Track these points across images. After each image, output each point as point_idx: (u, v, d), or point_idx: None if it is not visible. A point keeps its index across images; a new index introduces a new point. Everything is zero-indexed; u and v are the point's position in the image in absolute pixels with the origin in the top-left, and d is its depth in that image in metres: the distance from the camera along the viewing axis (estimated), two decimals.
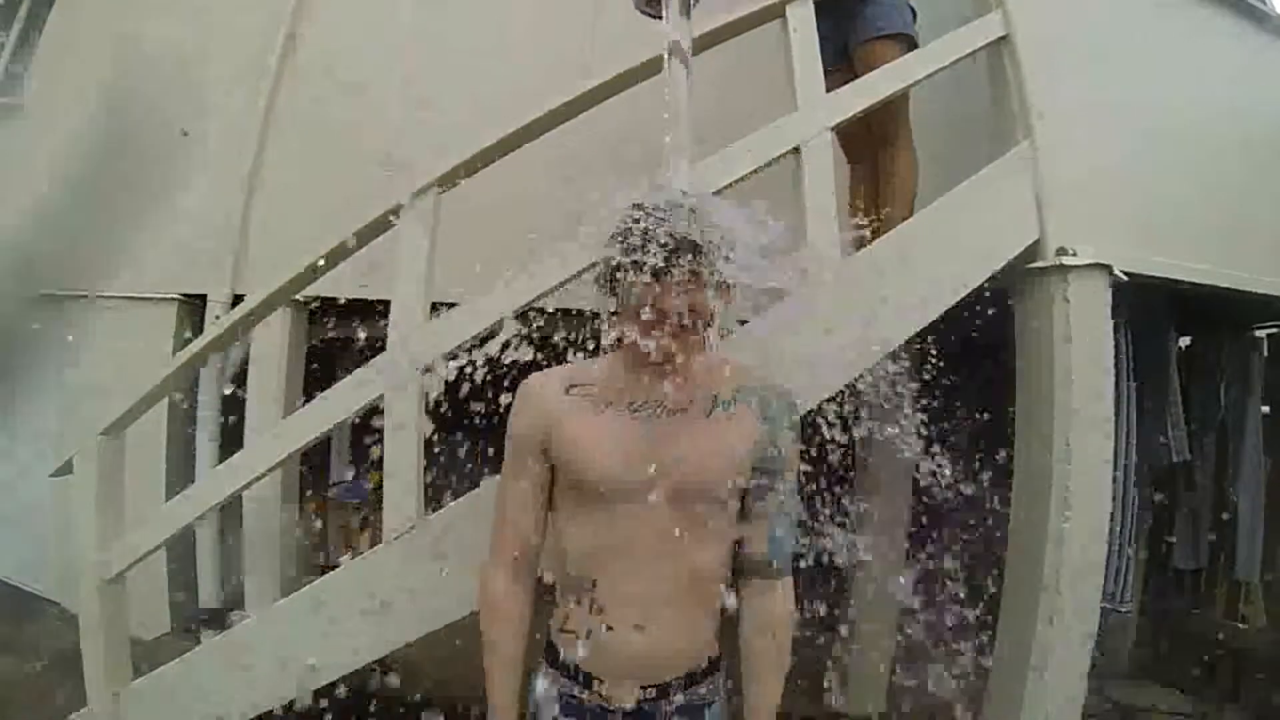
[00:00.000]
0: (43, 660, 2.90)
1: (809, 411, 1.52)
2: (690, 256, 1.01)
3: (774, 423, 1.15)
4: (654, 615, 1.10)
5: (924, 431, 1.64)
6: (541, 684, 1.19)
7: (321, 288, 2.01)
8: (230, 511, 2.40)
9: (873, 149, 2.14)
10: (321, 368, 2.81)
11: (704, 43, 1.83)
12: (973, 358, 2.65)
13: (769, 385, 1.19)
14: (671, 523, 1.09)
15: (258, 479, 1.83)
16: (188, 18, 3.32)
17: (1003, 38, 2.01)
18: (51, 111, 3.71)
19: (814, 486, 1.38)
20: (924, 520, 2.88)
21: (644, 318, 1.05)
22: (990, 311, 2.04)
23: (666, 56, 1.51)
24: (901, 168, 2.08)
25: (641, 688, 1.13)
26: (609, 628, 1.11)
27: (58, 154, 3.54)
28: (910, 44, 2.03)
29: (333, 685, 1.68)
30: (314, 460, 3.75)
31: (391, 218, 1.79)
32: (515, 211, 2.52)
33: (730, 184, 1.70)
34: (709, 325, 1.08)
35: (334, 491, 3.99)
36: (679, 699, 1.14)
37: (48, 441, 3.12)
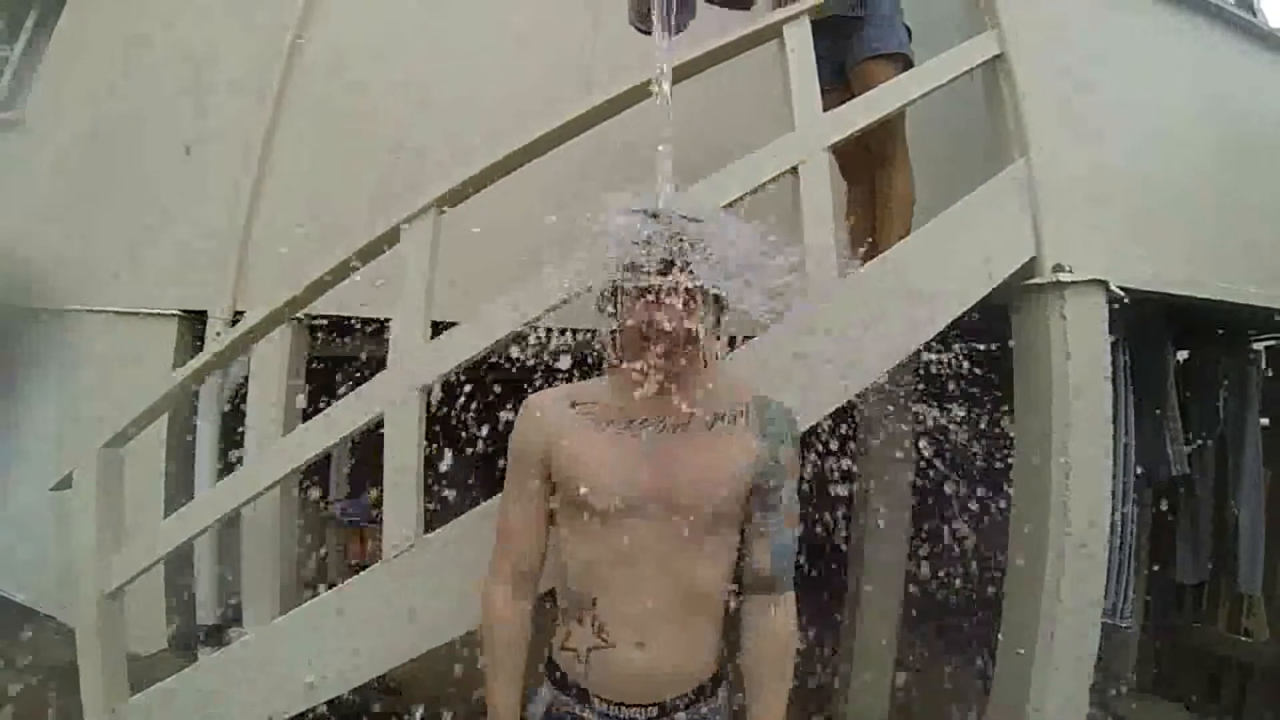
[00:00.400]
0: (39, 675, 2.88)
1: (808, 429, 1.53)
2: (681, 275, 1.03)
3: (774, 437, 1.16)
4: (655, 632, 1.10)
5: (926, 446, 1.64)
6: (542, 701, 1.19)
7: (322, 306, 2.02)
8: (229, 528, 2.40)
9: (870, 170, 2.15)
10: (322, 384, 2.82)
11: (701, 64, 1.86)
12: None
13: (768, 400, 1.20)
14: (673, 539, 1.10)
15: (258, 495, 1.83)
16: (190, 33, 3.36)
17: (998, 56, 2.03)
18: (54, 125, 3.74)
19: (815, 499, 1.39)
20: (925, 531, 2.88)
21: (639, 336, 1.06)
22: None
23: (660, 73, 1.52)
24: (899, 187, 2.09)
25: (643, 706, 1.12)
26: (610, 645, 1.11)
27: (59, 166, 3.58)
28: (906, 63, 2.05)
29: (332, 702, 1.68)
30: (314, 477, 3.75)
31: (391, 238, 1.80)
32: (515, 230, 2.54)
33: (727, 204, 1.72)
34: (705, 341, 1.10)
35: (334, 508, 3.99)
36: (682, 716, 1.14)
37: (48, 455, 3.13)
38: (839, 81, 2.05)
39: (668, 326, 1.05)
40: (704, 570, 1.12)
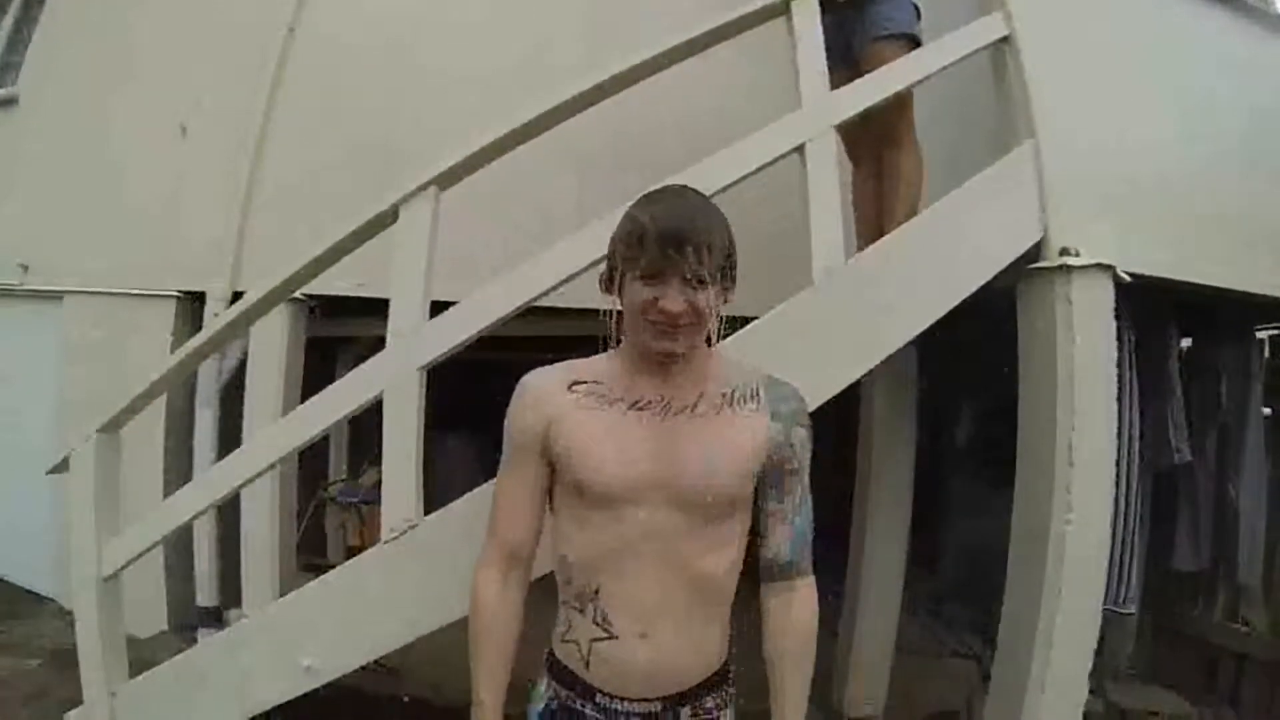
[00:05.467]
0: (39, 658, 2.89)
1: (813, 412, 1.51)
2: (690, 254, 1.00)
3: (787, 419, 1.13)
4: (660, 624, 1.06)
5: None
6: (543, 695, 1.16)
7: (320, 286, 2.00)
8: (228, 509, 2.39)
9: (875, 150, 2.12)
10: (321, 364, 2.81)
11: (708, 40, 1.83)
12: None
13: (779, 380, 1.17)
14: (679, 526, 1.06)
15: (256, 477, 1.82)
16: (185, 11, 3.32)
17: (1005, 38, 2.00)
18: (46, 104, 3.70)
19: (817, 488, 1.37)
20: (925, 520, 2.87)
21: (646, 314, 1.03)
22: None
23: None
24: (906, 168, 2.06)
25: (646, 699, 1.09)
26: (613, 637, 1.07)
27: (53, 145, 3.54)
28: (914, 44, 2.02)
29: (329, 684, 1.68)
30: (313, 458, 3.75)
31: (390, 217, 1.78)
32: (513, 208, 2.52)
33: (734, 182, 1.69)
34: (711, 322, 1.07)
35: (333, 490, 3.99)
36: (686, 710, 1.11)
37: (46, 437, 3.12)
38: (845, 62, 2.02)
39: (673, 308, 1.02)
40: (712, 558, 1.08)
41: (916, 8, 2.08)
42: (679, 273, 1.01)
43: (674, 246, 1.00)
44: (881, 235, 1.88)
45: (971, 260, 1.82)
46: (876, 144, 2.12)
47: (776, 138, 1.76)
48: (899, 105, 1.99)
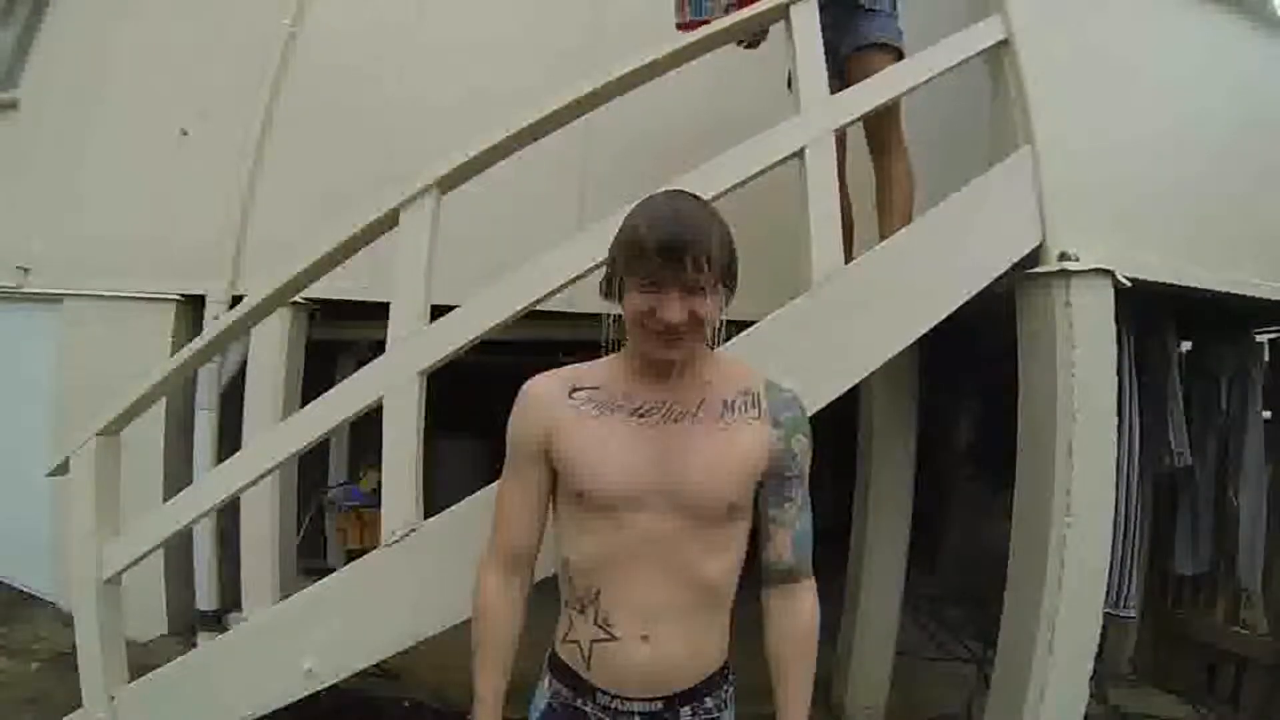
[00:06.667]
0: (38, 661, 2.89)
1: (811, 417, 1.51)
2: (690, 264, 1.00)
3: (788, 425, 1.14)
4: (660, 626, 1.07)
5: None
6: (544, 694, 1.17)
7: (321, 289, 2.00)
8: (228, 513, 2.39)
9: (841, 155, 2.12)
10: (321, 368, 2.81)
11: (704, 45, 1.83)
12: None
13: (779, 386, 1.17)
14: (680, 531, 1.07)
15: (256, 480, 1.82)
16: (186, 15, 3.32)
17: (1003, 42, 2.01)
18: (48, 107, 3.70)
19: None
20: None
21: (646, 323, 1.04)
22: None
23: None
24: (899, 174, 2.07)
25: (647, 700, 1.10)
26: (614, 638, 1.08)
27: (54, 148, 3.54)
28: (899, 56, 2.03)
29: (329, 688, 1.68)
30: (313, 462, 3.75)
31: (390, 220, 1.78)
32: (514, 211, 2.52)
33: (734, 186, 1.69)
34: (712, 328, 1.07)
35: (333, 494, 3.98)
36: (686, 710, 1.11)
37: (45, 441, 3.12)
38: (833, 67, 2.02)
39: (672, 318, 1.02)
40: (712, 563, 1.09)
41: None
42: (678, 283, 1.01)
43: (673, 257, 0.99)
44: (854, 238, 1.87)
45: (970, 265, 1.82)
46: (843, 151, 2.12)
47: (776, 142, 1.76)
48: (891, 112, 1.99)
